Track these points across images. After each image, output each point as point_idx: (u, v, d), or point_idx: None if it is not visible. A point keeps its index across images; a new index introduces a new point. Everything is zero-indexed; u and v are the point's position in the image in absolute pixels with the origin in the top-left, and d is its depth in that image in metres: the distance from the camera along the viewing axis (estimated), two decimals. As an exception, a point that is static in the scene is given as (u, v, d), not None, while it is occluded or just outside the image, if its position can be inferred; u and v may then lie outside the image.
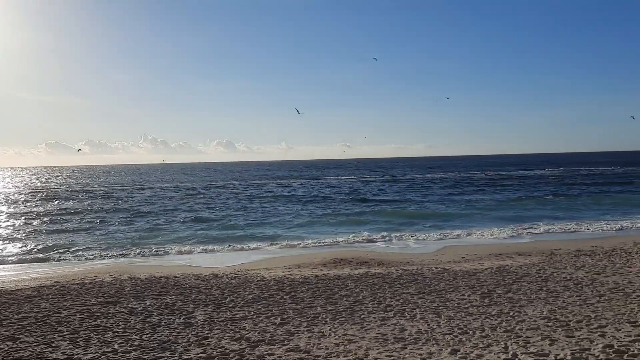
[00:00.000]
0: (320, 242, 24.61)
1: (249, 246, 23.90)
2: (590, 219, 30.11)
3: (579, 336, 8.89)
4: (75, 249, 24.02)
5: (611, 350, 8.00)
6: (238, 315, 11.20)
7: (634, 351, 7.94)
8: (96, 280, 15.84)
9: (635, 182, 57.16)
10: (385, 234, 26.40)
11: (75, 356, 8.74)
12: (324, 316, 10.93)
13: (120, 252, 22.91)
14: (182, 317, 11.13)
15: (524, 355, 8.00)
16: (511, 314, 10.60)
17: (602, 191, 48.58)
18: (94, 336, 9.86)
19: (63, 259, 21.66)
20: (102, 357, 8.68)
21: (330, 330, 9.92)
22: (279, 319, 10.83)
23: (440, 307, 11.36)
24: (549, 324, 9.75)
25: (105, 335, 9.88)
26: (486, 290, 12.85)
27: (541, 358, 7.82)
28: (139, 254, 22.62)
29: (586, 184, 58.81)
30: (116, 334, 9.98)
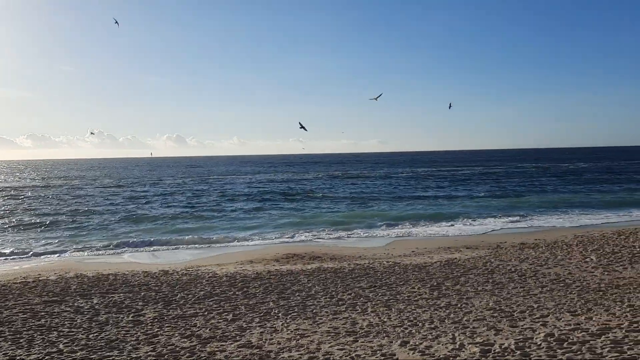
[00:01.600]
0: (273, 238, 24.55)
1: (200, 243, 23.59)
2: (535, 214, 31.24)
3: (522, 326, 9.23)
4: (17, 246, 23.04)
5: (552, 339, 8.35)
6: (189, 312, 11.05)
7: (573, 339, 8.31)
8: (40, 278, 15.27)
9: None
10: (337, 229, 26.58)
11: (18, 357, 8.41)
12: (276, 311, 10.93)
13: (66, 249, 22.13)
14: (130, 315, 10.90)
15: (470, 345, 8.24)
16: (459, 305, 10.89)
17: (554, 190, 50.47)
18: (38, 336, 9.51)
19: (2, 257, 20.73)
20: (47, 357, 8.38)
21: (282, 325, 9.93)
22: (231, 315, 10.76)
23: (391, 300, 11.55)
24: (495, 314, 10.08)
25: (50, 335, 9.55)
26: (435, 283, 13.15)
27: (487, 347, 8.08)
28: (85, 251, 21.93)
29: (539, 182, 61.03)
30: (61, 333, 9.66)
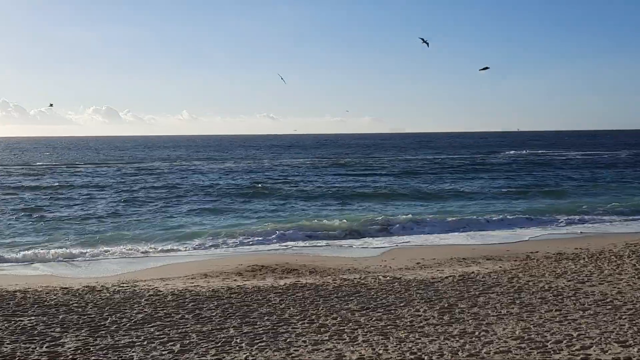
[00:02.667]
0: (234, 245, 24.51)
1: (137, 249, 23.44)
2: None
3: (557, 360, 9.36)
4: None
5: (596, 377, 8.48)
6: (123, 342, 10.97)
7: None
8: None
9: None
10: (318, 234, 26.66)
11: None
12: (238, 340, 10.92)
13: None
14: (44, 346, 10.78)
15: (491, 385, 8.34)
16: (476, 333, 10.99)
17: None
18: None
19: None
20: None
21: (246, 358, 9.92)
22: (178, 345, 10.72)
23: (389, 327, 11.60)
24: (522, 345, 10.20)
25: None
26: (446, 305, 13.25)
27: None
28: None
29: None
30: (-49, 369, 9.54)
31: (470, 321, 11.88)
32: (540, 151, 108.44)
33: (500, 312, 12.54)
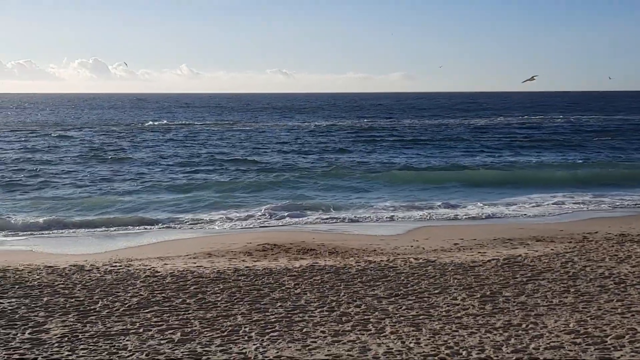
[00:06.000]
0: (243, 219, 24.59)
1: (132, 224, 23.61)
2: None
3: (619, 358, 9.31)
4: None
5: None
6: (115, 329, 11.08)
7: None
8: None
9: None
10: (340, 208, 26.68)
11: None
12: (246, 329, 10.98)
13: None
14: (27, 332, 10.92)
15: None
16: (524, 326, 10.96)
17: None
18: None
19: None
20: None
21: (256, 350, 9.98)
22: (179, 333, 10.80)
23: (421, 317, 11.61)
24: (577, 340, 10.17)
25: None
26: (488, 292, 13.23)
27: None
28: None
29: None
30: None
31: (516, 312, 11.84)
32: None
33: (552, 301, 12.48)
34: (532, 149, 52.48)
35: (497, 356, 9.55)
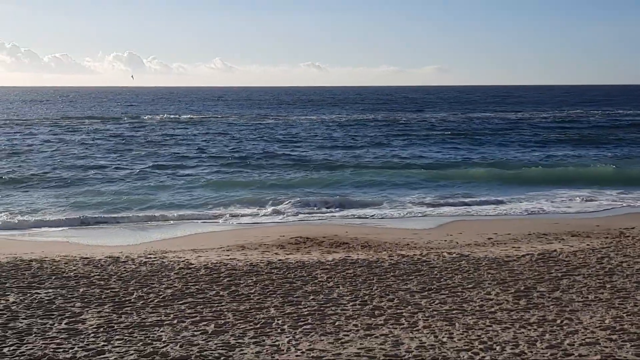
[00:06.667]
0: (275, 212, 24.71)
1: (166, 216, 23.84)
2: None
3: (655, 355, 9.22)
4: None
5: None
6: (150, 320, 11.21)
7: None
8: None
9: None
10: (371, 201, 26.72)
11: None
12: (279, 322, 11.05)
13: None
14: (64, 322, 11.09)
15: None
16: (558, 322, 10.89)
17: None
18: None
19: None
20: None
21: (289, 342, 10.05)
22: (212, 325, 10.90)
23: (454, 311, 11.59)
24: (613, 336, 10.07)
25: (-56, 348, 9.80)
26: (523, 288, 13.15)
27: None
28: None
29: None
30: (-39, 345, 9.91)
31: (551, 307, 11.76)
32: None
33: (587, 297, 12.38)
34: (568, 143, 51.94)
35: (531, 352, 9.51)
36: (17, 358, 9.40)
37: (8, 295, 12.77)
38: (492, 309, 11.70)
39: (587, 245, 17.73)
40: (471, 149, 48.40)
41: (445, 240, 18.91)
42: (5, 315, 11.45)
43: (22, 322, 11.06)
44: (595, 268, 14.80)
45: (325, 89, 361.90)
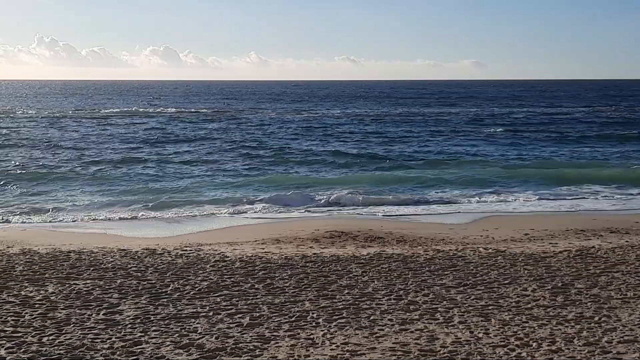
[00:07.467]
0: (311, 207, 24.76)
1: (203, 209, 24.02)
2: None
3: (695, 354, 9.08)
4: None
5: None
6: (186, 311, 11.30)
7: None
8: (-30, 254, 15.89)
9: None
10: (406, 196, 26.72)
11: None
12: (314, 315, 11.06)
13: (8, 214, 22.87)
14: (101, 312, 11.22)
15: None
16: (596, 319, 10.77)
17: None
18: (-32, 337, 9.94)
19: None
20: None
21: (324, 336, 10.05)
22: (248, 317, 10.94)
23: (490, 307, 11.51)
24: (653, 335, 9.94)
25: (-14, 336, 9.97)
26: (560, 284, 13.02)
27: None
28: (35, 216, 22.63)
29: None
30: (2, 335, 10.07)
31: (588, 304, 11.63)
32: None
33: (626, 294, 12.22)
34: (606, 139, 51.24)
35: (568, 349, 9.41)
36: (55, 347, 9.53)
37: (47, 285, 12.96)
38: (529, 305, 11.60)
39: (626, 242, 17.51)
40: (509, 144, 48.02)
41: (481, 236, 18.81)
42: (44, 306, 11.61)
43: (60, 312, 11.21)
44: (634, 265, 14.61)
45: (361, 82, 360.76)
